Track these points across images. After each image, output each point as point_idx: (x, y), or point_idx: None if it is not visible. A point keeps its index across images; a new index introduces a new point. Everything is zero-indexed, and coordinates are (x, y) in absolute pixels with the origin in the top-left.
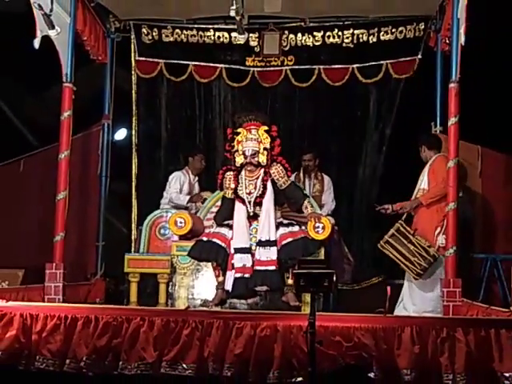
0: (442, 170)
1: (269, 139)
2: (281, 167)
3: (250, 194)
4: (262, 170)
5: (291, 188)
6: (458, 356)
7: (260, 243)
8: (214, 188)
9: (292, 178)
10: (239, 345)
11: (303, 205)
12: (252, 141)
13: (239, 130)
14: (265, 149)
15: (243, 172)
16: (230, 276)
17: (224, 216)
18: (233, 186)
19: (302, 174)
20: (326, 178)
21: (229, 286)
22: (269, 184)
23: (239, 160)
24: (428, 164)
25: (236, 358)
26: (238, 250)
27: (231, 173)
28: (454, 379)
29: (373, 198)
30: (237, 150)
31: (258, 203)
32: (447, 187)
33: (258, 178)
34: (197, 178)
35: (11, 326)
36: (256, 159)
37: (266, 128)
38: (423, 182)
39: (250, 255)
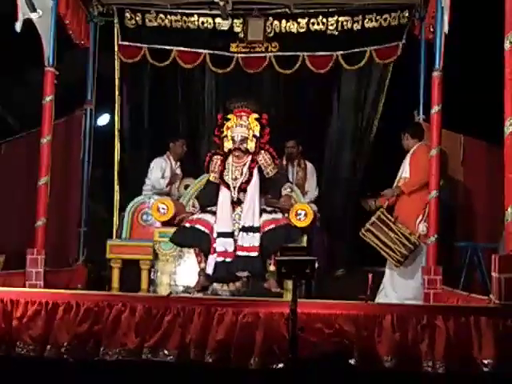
0: (424, 159)
1: (259, 127)
2: (268, 155)
3: (235, 179)
4: (250, 156)
5: (277, 176)
6: (437, 343)
7: (243, 229)
8: (197, 174)
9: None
10: (221, 331)
11: (283, 187)
12: (242, 127)
13: (229, 116)
14: (254, 136)
15: (230, 158)
16: (212, 260)
17: (207, 198)
18: (219, 169)
19: (284, 161)
20: (309, 165)
21: (210, 270)
22: (255, 171)
23: (227, 145)
24: (410, 153)
25: (217, 344)
26: (221, 235)
27: (219, 157)
28: (433, 366)
29: (355, 185)
30: (226, 136)
31: (243, 189)
32: (428, 176)
33: (244, 165)
34: (178, 164)
35: None
36: (244, 145)
37: (256, 116)
38: (404, 171)
39: (232, 240)
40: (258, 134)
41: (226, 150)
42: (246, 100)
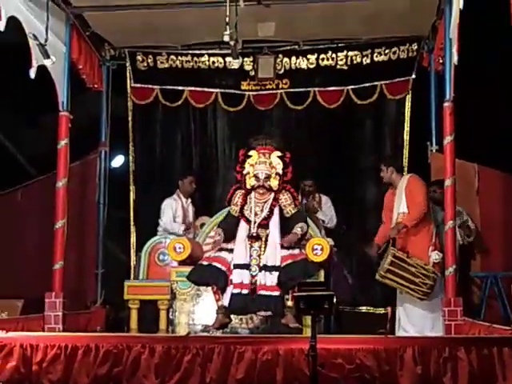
0: (419, 190)
1: (281, 165)
2: (289, 195)
3: (256, 215)
4: (272, 194)
5: (295, 215)
6: (460, 375)
7: (266, 268)
8: (211, 211)
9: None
10: (241, 370)
11: (296, 225)
12: (265, 164)
13: (251, 152)
14: (277, 174)
15: (253, 193)
16: (228, 292)
17: (231, 229)
18: (240, 203)
19: (300, 196)
20: (324, 198)
21: (226, 302)
22: (276, 209)
23: (250, 182)
24: (402, 187)
25: (238, 382)
26: (237, 266)
27: (242, 191)
28: None
29: (371, 219)
30: (248, 172)
31: (263, 226)
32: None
33: (266, 202)
34: (189, 201)
35: (11, 357)
36: (268, 183)
37: (278, 153)
38: (402, 206)
39: (248, 272)
40: (280, 172)
41: (248, 186)
42: (269, 138)
